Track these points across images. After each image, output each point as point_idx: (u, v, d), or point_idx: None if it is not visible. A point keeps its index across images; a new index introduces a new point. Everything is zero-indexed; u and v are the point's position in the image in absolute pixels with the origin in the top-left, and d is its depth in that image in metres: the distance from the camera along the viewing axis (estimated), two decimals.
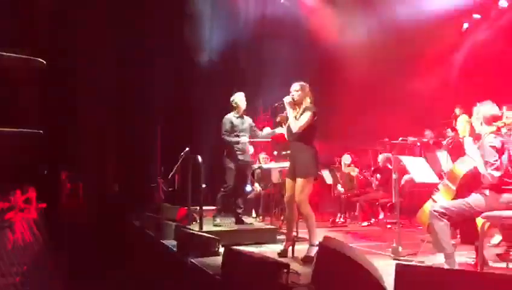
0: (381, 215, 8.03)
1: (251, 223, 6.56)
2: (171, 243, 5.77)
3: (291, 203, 4.98)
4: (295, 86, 4.97)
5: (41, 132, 3.25)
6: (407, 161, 5.03)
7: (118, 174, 12.18)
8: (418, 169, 4.94)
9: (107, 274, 5.77)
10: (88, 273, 5.80)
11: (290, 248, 5.02)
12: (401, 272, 2.75)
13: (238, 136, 6.26)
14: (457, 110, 9.50)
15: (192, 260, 4.75)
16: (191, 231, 5.43)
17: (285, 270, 3.47)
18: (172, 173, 7.80)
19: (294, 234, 5.29)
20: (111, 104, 11.93)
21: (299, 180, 4.81)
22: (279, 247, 5.28)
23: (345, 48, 10.43)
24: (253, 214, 9.42)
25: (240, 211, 6.46)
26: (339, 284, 3.16)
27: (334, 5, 11.01)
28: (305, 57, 10.26)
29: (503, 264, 4.27)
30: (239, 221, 6.41)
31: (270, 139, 7.31)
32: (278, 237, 6.09)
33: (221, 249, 4.83)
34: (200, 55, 10.81)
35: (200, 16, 10.49)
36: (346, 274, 3.15)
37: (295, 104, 4.93)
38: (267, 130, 6.60)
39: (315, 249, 4.69)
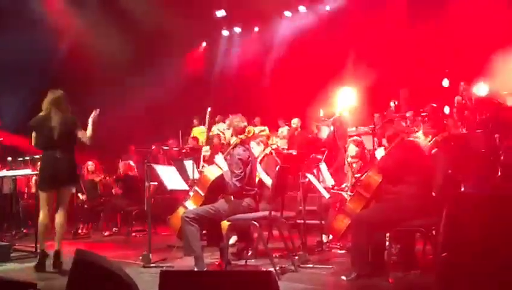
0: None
1: None
2: None
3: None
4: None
5: None
6: (159, 169, 5.13)
7: None
8: (169, 177, 5.11)
9: None
10: None
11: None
12: (165, 278, 2.80)
13: None
14: (195, 121, 10.31)
15: None
16: None
17: None
18: None
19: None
20: None
21: (68, 189, 4.73)
22: (17, 265, 4.73)
23: (90, 50, 10.07)
24: None
25: None
26: None
27: (80, 6, 10.52)
28: (46, 55, 9.42)
29: (242, 262, 4.80)
30: None
31: None
32: (12, 254, 5.37)
33: None
34: None
35: None
36: (103, 287, 3.02)
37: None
38: None
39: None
